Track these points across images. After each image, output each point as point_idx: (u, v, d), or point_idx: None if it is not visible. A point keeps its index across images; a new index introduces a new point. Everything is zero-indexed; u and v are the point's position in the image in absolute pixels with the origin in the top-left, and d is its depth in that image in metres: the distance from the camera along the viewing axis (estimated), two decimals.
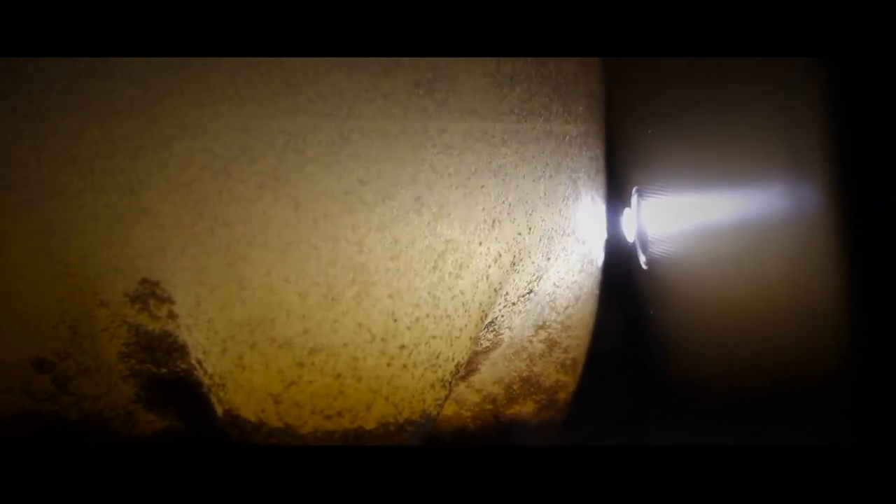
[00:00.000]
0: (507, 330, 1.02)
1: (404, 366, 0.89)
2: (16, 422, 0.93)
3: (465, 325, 0.92)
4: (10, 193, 0.86)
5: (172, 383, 0.92)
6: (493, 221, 0.91)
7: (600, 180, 1.06)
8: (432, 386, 0.91)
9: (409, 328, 0.89)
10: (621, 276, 1.12)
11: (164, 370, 0.91)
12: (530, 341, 1.05)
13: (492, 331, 1.01)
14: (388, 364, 0.88)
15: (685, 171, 1.02)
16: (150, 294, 0.86)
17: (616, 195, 1.11)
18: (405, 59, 0.87)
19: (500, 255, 0.93)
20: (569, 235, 1.00)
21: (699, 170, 1.00)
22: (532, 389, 1.07)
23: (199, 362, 0.88)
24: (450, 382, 0.93)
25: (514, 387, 1.06)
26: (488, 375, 1.05)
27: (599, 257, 1.08)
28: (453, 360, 0.92)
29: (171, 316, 0.87)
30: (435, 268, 0.89)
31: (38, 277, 0.87)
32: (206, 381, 0.88)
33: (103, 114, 0.85)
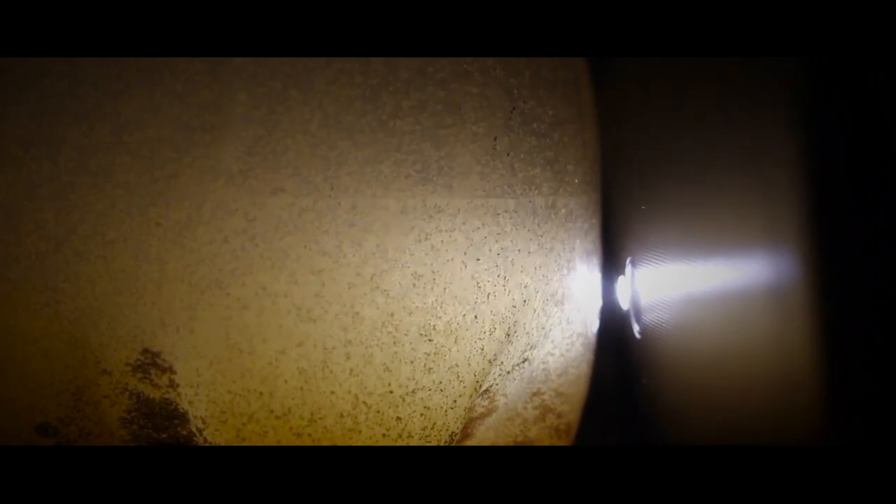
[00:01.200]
0: (501, 397, 1.04)
1: (399, 436, 0.91)
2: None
3: (460, 396, 0.94)
4: (16, 262, 0.88)
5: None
6: (488, 295, 0.93)
7: (595, 249, 1.08)
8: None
9: (403, 399, 0.90)
10: (615, 343, 1.14)
11: (164, 436, 0.93)
12: (525, 407, 1.06)
13: (487, 398, 1.03)
14: (384, 435, 0.90)
15: (676, 241, 1.04)
16: (151, 363, 0.88)
17: (611, 264, 1.14)
18: (407, 136, 0.89)
19: (495, 328, 0.95)
20: (563, 305, 1.02)
21: (688, 240, 1.02)
22: None
23: (199, 431, 0.90)
24: None
25: None
26: (483, 440, 1.07)
27: (594, 325, 1.10)
28: (448, 429, 0.94)
29: (172, 385, 0.89)
30: (430, 340, 0.91)
31: (42, 345, 0.89)
32: None
33: (107, 179, 0.87)
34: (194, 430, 0.90)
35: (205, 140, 0.87)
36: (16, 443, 0.93)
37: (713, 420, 1.00)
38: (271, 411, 0.88)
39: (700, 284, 0.98)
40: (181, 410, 0.90)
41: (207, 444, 0.90)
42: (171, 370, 0.88)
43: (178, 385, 0.89)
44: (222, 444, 0.89)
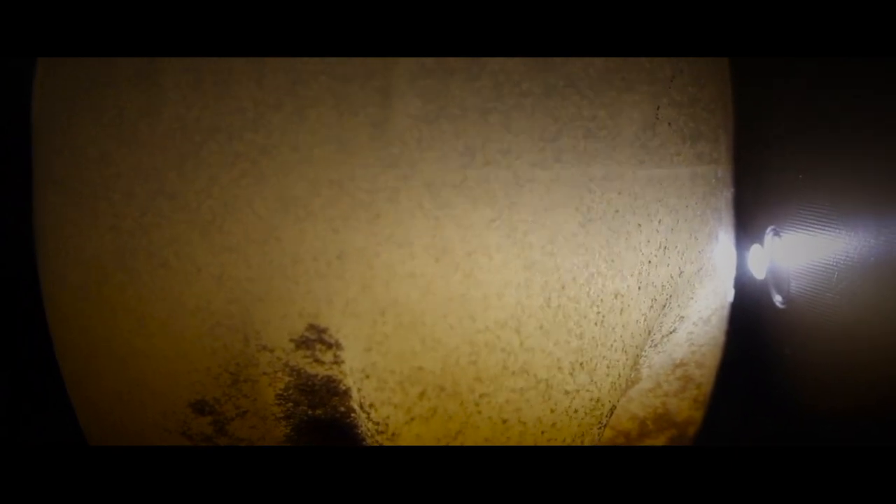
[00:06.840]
0: (646, 368, 1.02)
1: (566, 411, 0.90)
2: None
3: (623, 369, 0.92)
4: (180, 235, 0.87)
5: (325, 425, 0.92)
6: (650, 265, 0.92)
7: (736, 219, 1.07)
8: (590, 429, 0.92)
9: (571, 374, 0.89)
10: (752, 313, 1.12)
11: (319, 412, 0.91)
12: (667, 379, 1.05)
13: (634, 370, 1.01)
14: (552, 410, 0.89)
15: (823, 208, 1.02)
16: (316, 339, 0.87)
17: (749, 233, 1.12)
18: (569, 109, 0.87)
19: (655, 299, 0.93)
20: (709, 276, 1.01)
21: (838, 205, 1.00)
22: (665, 425, 1.07)
23: (364, 409, 0.88)
24: (604, 425, 0.94)
25: (648, 423, 1.07)
26: (623, 412, 1.06)
27: (731, 295, 1.08)
28: (610, 402, 0.93)
29: (337, 361, 0.87)
30: (598, 312, 0.89)
31: (204, 322, 0.87)
32: (371, 427, 0.89)
33: (271, 162, 0.85)
34: (355, 406, 0.89)
35: (375, 114, 0.85)
36: (171, 421, 0.91)
37: (866, 389, 0.98)
38: (442, 389, 0.86)
39: (853, 251, 0.96)
40: (343, 387, 0.88)
41: (371, 421, 0.89)
42: (337, 346, 0.86)
43: (342, 361, 0.87)
44: (389, 421, 0.88)
